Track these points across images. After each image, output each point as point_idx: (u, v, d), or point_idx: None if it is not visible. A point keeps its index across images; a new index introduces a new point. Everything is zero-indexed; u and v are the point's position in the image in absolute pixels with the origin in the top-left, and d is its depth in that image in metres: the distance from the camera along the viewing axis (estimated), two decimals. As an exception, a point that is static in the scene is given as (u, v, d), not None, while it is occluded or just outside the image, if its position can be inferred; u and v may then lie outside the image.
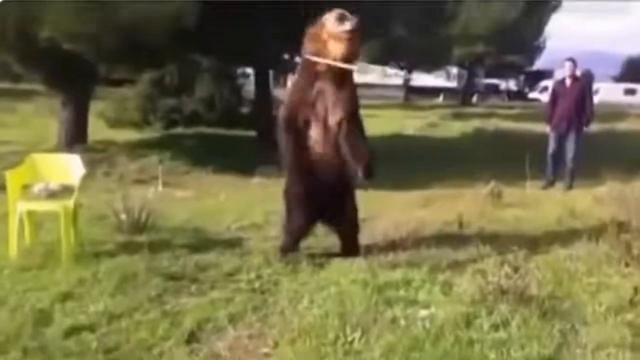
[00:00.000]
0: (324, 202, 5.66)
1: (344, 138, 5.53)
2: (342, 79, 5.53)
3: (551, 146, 10.68)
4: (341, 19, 5.39)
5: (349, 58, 5.47)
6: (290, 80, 20.38)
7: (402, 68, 45.40)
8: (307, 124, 5.55)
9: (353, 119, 5.63)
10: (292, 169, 5.74)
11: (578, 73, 10.97)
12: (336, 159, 5.56)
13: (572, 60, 10.66)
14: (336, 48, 5.41)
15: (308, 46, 5.62)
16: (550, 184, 10.72)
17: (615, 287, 4.65)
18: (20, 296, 4.67)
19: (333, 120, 5.52)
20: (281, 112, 5.80)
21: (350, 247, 5.88)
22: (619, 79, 62.13)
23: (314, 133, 5.55)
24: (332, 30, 5.37)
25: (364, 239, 6.13)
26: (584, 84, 10.94)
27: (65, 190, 7.32)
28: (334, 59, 5.40)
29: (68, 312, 4.35)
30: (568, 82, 10.61)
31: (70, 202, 5.83)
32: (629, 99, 50.11)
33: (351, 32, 5.37)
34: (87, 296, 4.65)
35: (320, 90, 5.50)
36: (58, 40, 12.34)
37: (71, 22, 11.82)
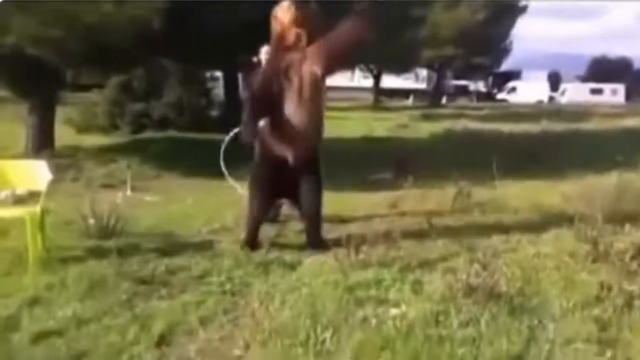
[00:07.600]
0: (286, 179, 5.94)
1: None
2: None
3: None
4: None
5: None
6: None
7: (371, 71, 45.52)
8: (281, 93, 5.79)
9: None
10: (261, 149, 6.11)
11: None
12: (309, 130, 5.89)
13: None
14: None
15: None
16: None
17: (582, 283, 4.72)
18: (-14, 303, 4.60)
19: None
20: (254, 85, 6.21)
21: (314, 238, 6.11)
22: (586, 79, 63.21)
23: (289, 104, 5.80)
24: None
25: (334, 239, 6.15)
26: None
27: (32, 196, 7.23)
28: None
29: (36, 318, 4.29)
30: None
31: (36, 208, 5.77)
32: (596, 98, 51.00)
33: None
34: (55, 301, 4.59)
35: (290, 62, 5.78)
36: (23, 46, 12.15)
37: (36, 27, 11.65)
